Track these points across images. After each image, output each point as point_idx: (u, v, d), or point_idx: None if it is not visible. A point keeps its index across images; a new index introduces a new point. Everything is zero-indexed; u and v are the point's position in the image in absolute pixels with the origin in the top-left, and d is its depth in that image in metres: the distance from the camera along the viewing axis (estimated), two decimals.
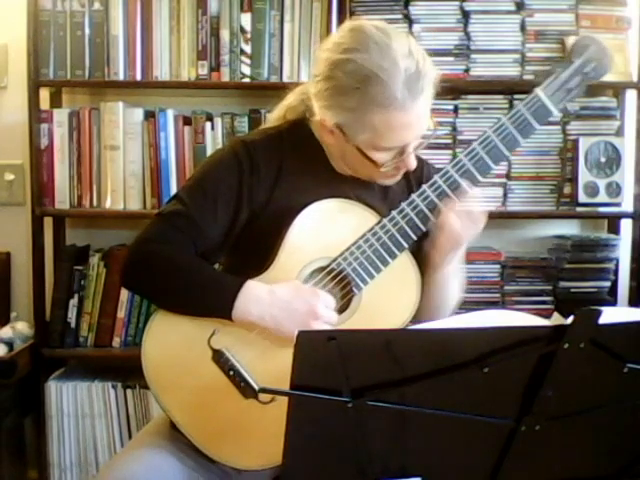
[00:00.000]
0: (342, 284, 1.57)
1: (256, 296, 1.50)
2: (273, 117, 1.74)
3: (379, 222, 1.57)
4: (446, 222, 1.56)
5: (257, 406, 1.49)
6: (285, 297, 1.51)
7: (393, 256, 1.57)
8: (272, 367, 1.49)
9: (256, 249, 1.58)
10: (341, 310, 1.58)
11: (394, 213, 1.57)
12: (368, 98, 1.48)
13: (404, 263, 1.59)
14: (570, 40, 2.52)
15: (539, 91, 1.59)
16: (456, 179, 1.58)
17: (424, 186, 1.58)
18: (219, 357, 1.51)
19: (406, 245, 1.58)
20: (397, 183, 1.67)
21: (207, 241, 1.58)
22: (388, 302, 1.58)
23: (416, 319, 1.61)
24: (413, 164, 1.57)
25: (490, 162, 1.59)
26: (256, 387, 1.48)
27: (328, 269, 1.56)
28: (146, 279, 1.57)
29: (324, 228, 1.57)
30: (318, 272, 1.57)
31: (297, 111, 1.68)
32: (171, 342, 1.54)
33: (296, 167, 1.61)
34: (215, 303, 1.51)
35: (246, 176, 1.58)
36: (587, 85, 1.62)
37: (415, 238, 1.58)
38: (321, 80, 1.54)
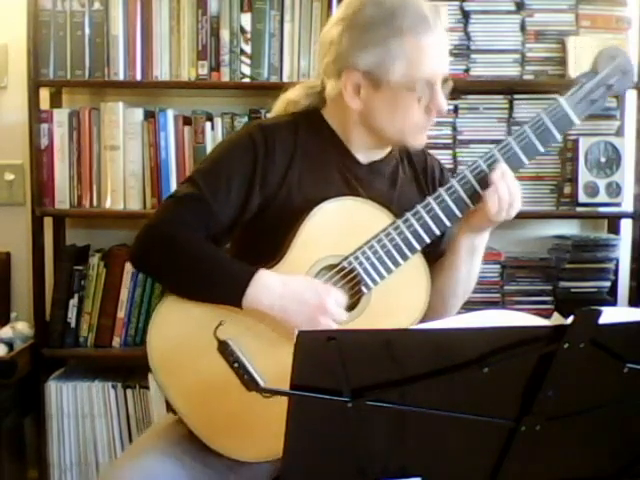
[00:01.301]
0: (352, 283, 1.57)
1: (268, 286, 1.50)
2: (274, 111, 1.74)
3: (393, 223, 1.57)
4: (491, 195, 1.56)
5: (259, 398, 1.48)
6: (297, 289, 1.51)
7: (405, 258, 1.57)
8: (277, 361, 1.48)
9: (266, 240, 1.58)
10: (349, 309, 1.58)
11: (408, 215, 1.57)
12: (398, 27, 1.53)
13: (415, 264, 1.59)
14: (570, 40, 2.52)
15: (562, 100, 1.59)
16: (473, 184, 1.58)
17: (440, 189, 1.58)
18: (224, 348, 1.51)
19: (419, 247, 1.58)
20: (404, 172, 1.70)
21: (218, 225, 1.58)
22: (397, 302, 1.59)
23: (430, 305, 1.63)
24: (444, 105, 1.58)
25: (522, 155, 1.59)
26: (260, 380, 1.48)
27: (339, 267, 1.57)
28: (158, 262, 1.56)
29: (337, 226, 1.57)
30: (328, 269, 1.57)
31: (299, 106, 1.69)
32: (177, 331, 1.54)
33: (310, 152, 1.62)
34: (227, 289, 1.51)
35: (260, 159, 1.58)
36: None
37: (428, 241, 1.58)
38: (340, 36, 1.57)
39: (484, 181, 1.57)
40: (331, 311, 1.51)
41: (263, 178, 1.58)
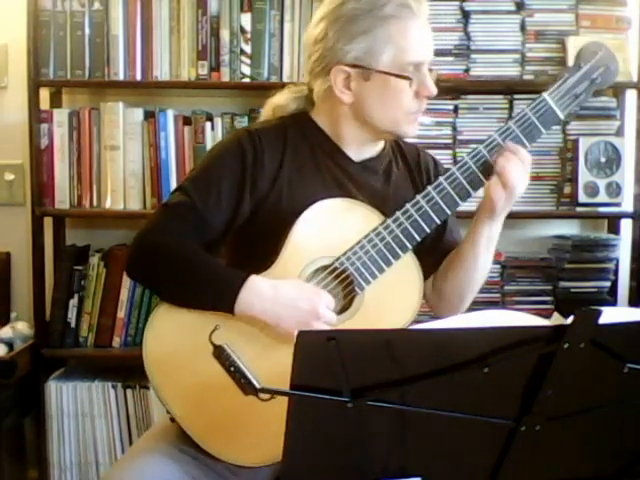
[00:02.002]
0: (344, 283, 1.57)
1: (259, 291, 1.50)
2: (262, 116, 1.75)
3: (383, 222, 1.57)
4: (503, 170, 1.55)
5: (257, 402, 1.49)
6: (288, 294, 1.51)
7: (396, 257, 1.57)
8: (273, 364, 1.48)
9: (259, 244, 1.58)
10: (343, 309, 1.58)
11: (398, 214, 1.57)
12: (382, 15, 1.55)
13: (407, 264, 1.59)
14: (570, 40, 2.52)
15: (546, 95, 1.59)
16: (461, 181, 1.58)
17: (429, 187, 1.58)
18: (220, 353, 1.51)
19: (410, 246, 1.57)
20: (397, 168, 1.70)
21: (211, 232, 1.59)
22: (390, 302, 1.58)
23: (445, 295, 1.66)
24: (433, 88, 1.60)
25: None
26: (256, 384, 1.48)
27: (331, 268, 1.56)
28: (150, 270, 1.57)
29: (328, 227, 1.57)
30: (321, 271, 1.57)
31: (286, 110, 1.69)
32: (172, 336, 1.54)
33: (299, 154, 1.63)
34: (219, 296, 1.51)
35: (249, 165, 1.59)
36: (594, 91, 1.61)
37: (419, 240, 1.58)
38: (325, 33, 1.58)
39: (474, 182, 1.58)
40: (323, 315, 1.51)
41: (253, 183, 1.59)
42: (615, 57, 1.61)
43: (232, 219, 1.60)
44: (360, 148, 1.66)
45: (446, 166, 1.74)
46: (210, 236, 1.59)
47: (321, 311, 1.51)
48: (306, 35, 1.66)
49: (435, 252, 1.70)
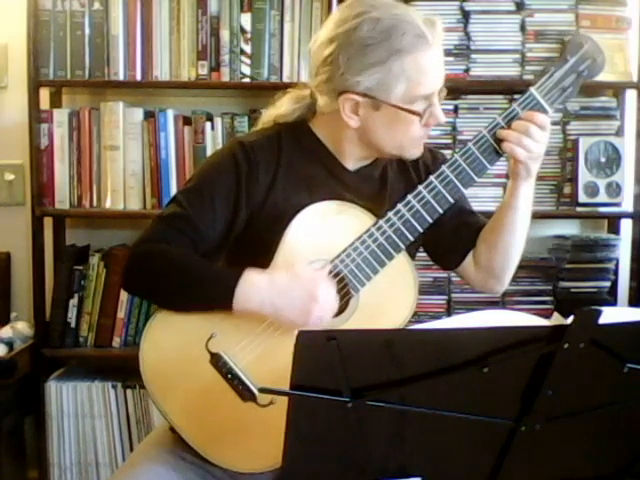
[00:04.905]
0: (340, 286, 1.56)
1: (256, 284, 1.50)
2: (261, 123, 1.72)
3: (375, 223, 1.57)
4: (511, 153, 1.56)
5: (256, 409, 1.49)
6: (284, 283, 1.50)
7: (390, 257, 1.56)
8: (270, 370, 1.48)
9: (254, 251, 1.57)
10: (339, 312, 1.57)
11: (390, 214, 1.57)
12: (396, 46, 1.51)
13: (401, 263, 1.59)
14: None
15: (533, 90, 1.59)
16: (452, 179, 1.58)
17: (420, 187, 1.58)
18: (217, 360, 1.51)
19: (403, 246, 1.57)
20: (392, 170, 1.69)
21: (206, 242, 1.58)
22: (386, 302, 1.58)
23: (493, 268, 1.69)
24: (442, 117, 1.58)
25: (485, 162, 1.58)
26: (254, 390, 1.48)
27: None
28: (147, 279, 1.57)
29: (321, 230, 1.57)
30: None
31: (287, 119, 1.67)
32: (169, 346, 1.54)
33: (294, 165, 1.62)
34: (216, 294, 1.51)
35: (244, 177, 1.58)
36: (582, 84, 1.61)
37: (412, 239, 1.57)
38: (335, 57, 1.53)
39: (465, 179, 1.58)
40: (321, 298, 1.49)
41: (248, 196, 1.58)
42: (601, 49, 1.60)
43: (227, 232, 1.59)
44: (358, 161, 1.66)
45: None
46: (205, 247, 1.58)
47: (319, 293, 1.49)
48: (314, 50, 1.60)
49: (462, 236, 1.70)
